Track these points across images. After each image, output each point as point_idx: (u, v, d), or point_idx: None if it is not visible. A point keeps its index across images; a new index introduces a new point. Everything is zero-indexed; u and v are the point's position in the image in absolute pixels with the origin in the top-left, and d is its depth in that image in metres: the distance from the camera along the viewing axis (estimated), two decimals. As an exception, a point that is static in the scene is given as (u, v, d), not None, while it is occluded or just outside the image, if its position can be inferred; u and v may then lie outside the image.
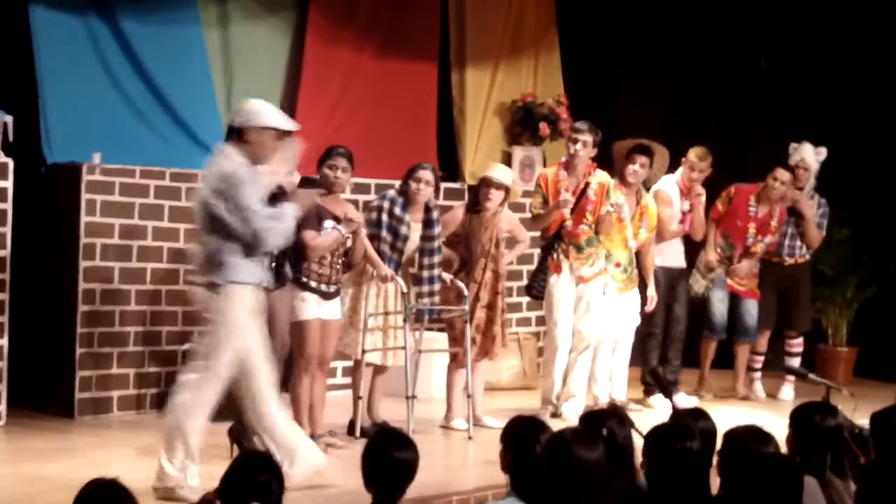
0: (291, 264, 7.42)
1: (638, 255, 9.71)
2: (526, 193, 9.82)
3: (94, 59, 9.11)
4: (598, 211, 9.13)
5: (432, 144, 11.17)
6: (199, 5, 9.63)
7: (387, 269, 8.20)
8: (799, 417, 5.21)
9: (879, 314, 11.92)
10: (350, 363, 8.84)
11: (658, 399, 9.68)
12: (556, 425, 4.83)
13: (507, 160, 11.16)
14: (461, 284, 8.64)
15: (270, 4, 10.19)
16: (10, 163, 8.46)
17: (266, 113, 6.65)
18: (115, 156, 8.94)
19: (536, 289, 9.24)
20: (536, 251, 9.63)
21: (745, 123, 12.60)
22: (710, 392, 10.53)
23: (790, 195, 10.50)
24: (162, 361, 9.12)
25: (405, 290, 8.25)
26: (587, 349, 9.26)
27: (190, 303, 9.17)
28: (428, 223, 8.44)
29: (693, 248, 10.46)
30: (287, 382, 7.89)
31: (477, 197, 8.84)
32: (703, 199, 10.21)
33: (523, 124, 11.57)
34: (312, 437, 7.40)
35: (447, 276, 8.64)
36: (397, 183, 8.58)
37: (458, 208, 9.00)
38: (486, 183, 8.77)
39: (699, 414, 5.32)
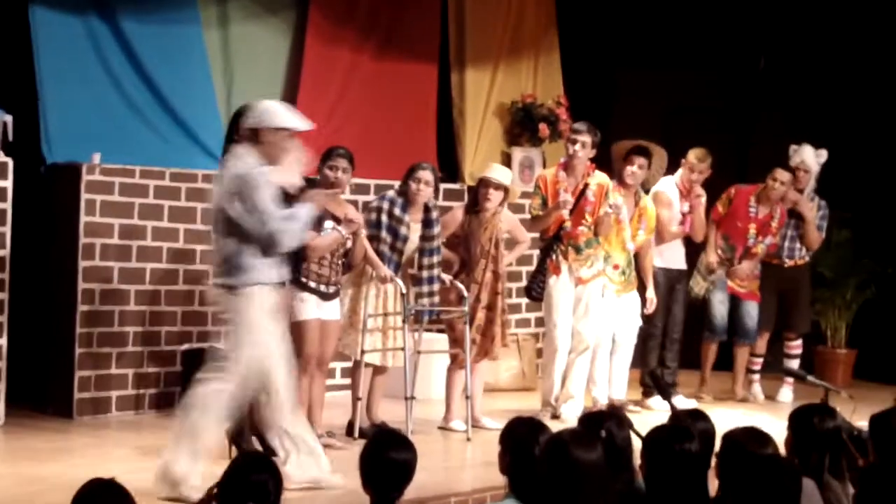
0: (291, 265, 7.41)
1: (637, 256, 9.70)
2: (525, 194, 9.82)
3: (94, 58, 9.11)
4: (597, 212, 9.13)
5: (432, 145, 11.17)
6: (198, 5, 9.64)
7: (386, 270, 8.20)
8: (797, 419, 5.20)
9: (878, 316, 11.92)
10: (349, 364, 8.85)
11: (657, 400, 9.67)
12: (555, 427, 4.83)
13: (507, 161, 11.17)
14: (461, 286, 8.64)
15: (270, 5, 10.19)
16: (10, 162, 8.46)
17: (280, 113, 6.64)
18: (115, 156, 8.95)
19: (535, 290, 9.24)
20: (535, 252, 9.63)
21: (745, 124, 12.60)
22: (710, 394, 10.52)
23: (790, 196, 10.50)
24: (161, 362, 9.12)
25: (404, 290, 8.25)
26: (586, 350, 9.25)
27: (189, 303, 9.23)
28: (427, 223, 8.44)
29: (694, 249, 10.45)
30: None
31: (476, 198, 8.84)
32: (704, 200, 10.21)
33: (523, 125, 11.58)
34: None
35: (446, 278, 8.64)
36: (397, 183, 8.58)
37: (458, 209, 9.00)
38: (484, 183, 8.77)
39: (698, 415, 5.32)
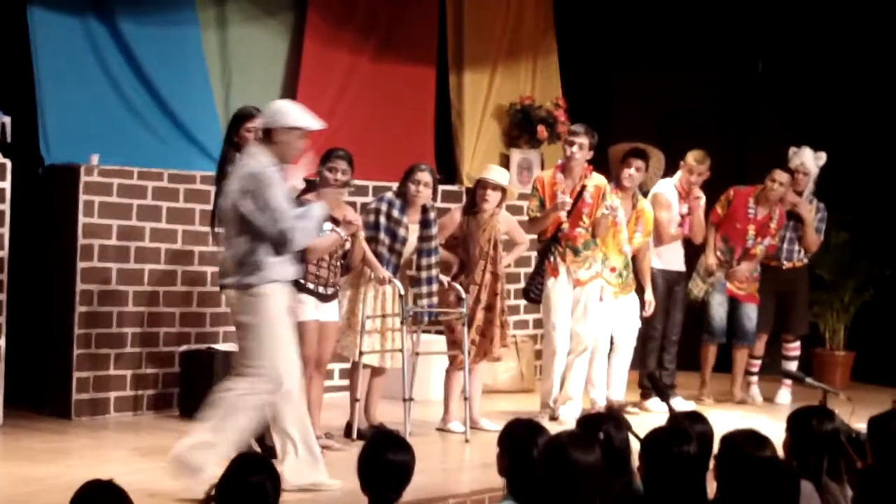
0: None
1: (635, 259, 9.71)
2: (523, 196, 9.83)
3: (92, 60, 9.11)
4: (595, 214, 9.13)
5: (430, 147, 11.18)
6: (197, 7, 9.64)
7: (384, 272, 8.19)
8: (796, 421, 5.20)
9: (877, 318, 11.91)
10: (347, 365, 8.85)
11: (655, 402, 9.67)
12: (553, 428, 4.83)
13: (505, 163, 11.18)
14: (459, 287, 8.64)
15: (269, 6, 10.20)
16: (8, 164, 8.46)
17: (292, 113, 6.66)
18: (113, 157, 8.95)
19: (534, 292, 9.24)
20: (534, 254, 9.63)
21: (743, 126, 12.60)
22: (710, 396, 10.52)
23: (789, 198, 10.50)
24: (159, 363, 9.12)
25: (402, 292, 8.25)
26: (584, 352, 9.25)
27: (188, 304, 9.23)
28: (425, 223, 8.44)
29: (693, 251, 10.45)
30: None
31: (474, 199, 8.84)
32: (703, 202, 10.21)
33: (521, 127, 11.59)
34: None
35: (444, 279, 8.64)
36: (395, 185, 8.58)
37: (456, 211, 9.00)
38: (482, 184, 8.78)
39: (696, 417, 5.31)
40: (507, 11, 11.74)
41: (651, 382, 9.49)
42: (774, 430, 5.42)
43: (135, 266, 9.03)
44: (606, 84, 12.72)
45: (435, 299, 8.52)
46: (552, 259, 9.17)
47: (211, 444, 6.41)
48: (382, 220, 8.31)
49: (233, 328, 8.01)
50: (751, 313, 10.55)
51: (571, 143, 9.15)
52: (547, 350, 9.29)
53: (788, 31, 12.29)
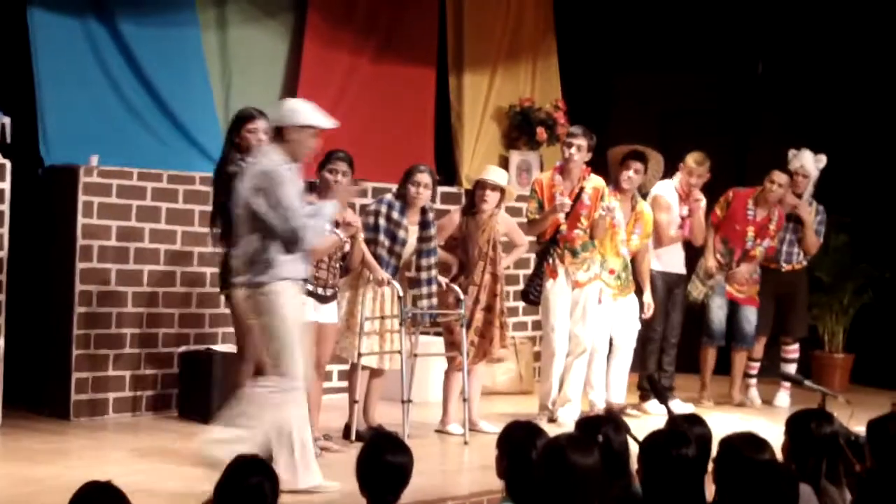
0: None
1: (634, 261, 9.70)
2: (522, 198, 9.82)
3: (92, 61, 9.11)
4: (593, 215, 9.14)
5: (430, 148, 11.18)
6: (197, 8, 9.64)
7: (383, 273, 8.19)
8: (795, 424, 5.20)
9: (876, 321, 11.91)
10: (346, 367, 8.84)
11: (654, 404, 9.67)
12: (552, 430, 4.83)
13: (505, 164, 11.18)
14: (457, 289, 8.65)
15: (269, 7, 10.20)
16: (8, 164, 8.46)
17: (304, 111, 6.67)
18: (113, 158, 8.95)
19: (533, 294, 9.24)
20: (533, 256, 9.63)
21: (743, 128, 12.60)
22: (710, 399, 10.51)
23: (789, 200, 10.50)
24: (158, 364, 9.12)
25: (401, 293, 8.25)
26: (583, 354, 9.25)
27: (187, 305, 9.23)
28: (424, 224, 8.44)
29: (693, 254, 10.45)
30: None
31: (473, 199, 8.84)
32: (703, 203, 10.21)
33: (521, 129, 11.59)
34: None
35: (443, 280, 8.64)
36: (394, 187, 8.58)
37: (455, 212, 9.00)
38: (481, 185, 8.78)
39: (694, 420, 5.31)
40: (506, 13, 11.75)
41: (650, 385, 9.48)
42: (773, 432, 5.42)
43: (134, 267, 9.02)
44: (606, 86, 12.72)
45: (434, 300, 8.52)
46: (551, 261, 9.17)
47: (237, 440, 6.39)
48: (382, 221, 8.30)
49: (232, 329, 8.05)
50: (750, 316, 10.54)
51: (570, 145, 9.15)
52: (546, 352, 9.28)
53: (788, 32, 12.29)
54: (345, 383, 8.92)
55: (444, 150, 11.37)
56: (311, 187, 7.87)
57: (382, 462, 4.46)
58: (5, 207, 8.45)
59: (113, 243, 8.91)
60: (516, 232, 9.22)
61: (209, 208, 7.93)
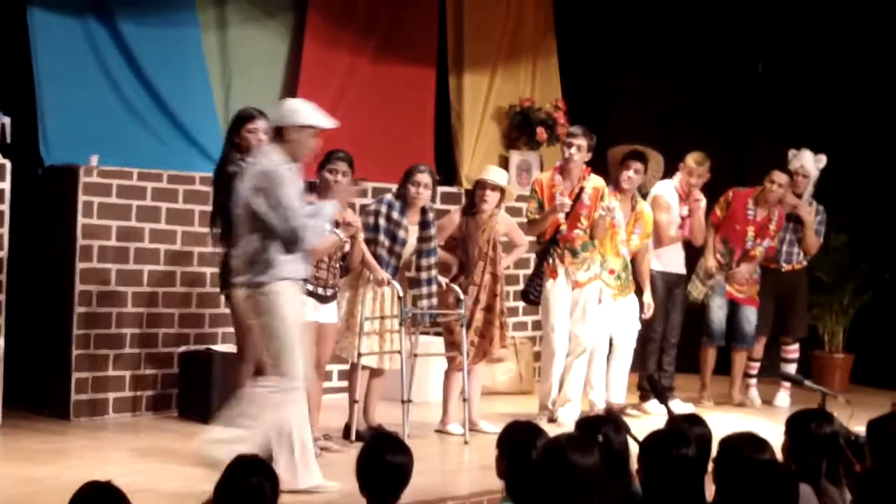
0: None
1: (634, 261, 9.70)
2: (522, 198, 9.82)
3: (92, 61, 9.11)
4: (593, 215, 9.14)
5: (430, 148, 11.18)
6: (197, 8, 9.64)
7: (382, 273, 8.19)
8: (795, 424, 5.20)
9: (876, 321, 11.91)
10: (346, 367, 8.84)
11: (654, 404, 9.67)
12: (552, 430, 4.83)
13: (505, 164, 11.18)
14: (457, 289, 8.65)
15: (269, 7, 10.20)
16: (8, 164, 8.46)
17: (305, 111, 6.68)
18: (113, 158, 8.95)
19: (533, 294, 9.24)
20: (533, 256, 9.63)
21: (743, 127, 12.60)
22: (710, 399, 10.51)
23: (789, 200, 10.50)
24: (158, 364, 9.12)
25: (401, 294, 8.24)
26: (583, 354, 9.25)
27: (187, 305, 9.23)
28: (424, 224, 8.44)
29: (694, 254, 10.45)
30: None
31: (473, 199, 8.84)
32: (703, 204, 10.20)
33: (520, 129, 11.59)
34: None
35: (443, 280, 8.64)
36: (394, 187, 8.58)
37: (455, 212, 9.00)
38: (480, 185, 8.78)
39: (694, 420, 5.31)
40: (506, 13, 11.74)
41: (650, 385, 9.48)
42: (773, 432, 5.42)
43: (134, 267, 9.02)
44: (606, 86, 12.72)
45: (435, 300, 8.52)
46: (551, 261, 9.17)
47: (237, 440, 6.38)
48: (382, 221, 8.30)
49: (232, 329, 8.05)
50: (750, 316, 10.54)
51: (570, 145, 9.15)
52: (546, 352, 9.28)
53: (788, 32, 12.29)
54: (345, 383, 8.92)
55: (444, 150, 11.37)
56: (311, 187, 7.87)
57: (382, 462, 4.46)
58: (5, 207, 8.45)
59: (113, 243, 8.91)
60: (516, 232, 9.22)
61: (209, 208, 7.93)
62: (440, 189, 10.18)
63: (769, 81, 12.53)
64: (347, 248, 8.00)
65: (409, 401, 8.34)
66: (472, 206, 8.84)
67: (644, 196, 9.90)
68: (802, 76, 12.24)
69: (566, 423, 8.73)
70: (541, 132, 11.47)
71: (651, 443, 4.64)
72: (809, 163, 10.52)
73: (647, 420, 9.17)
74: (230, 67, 9.86)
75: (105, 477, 3.98)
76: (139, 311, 9.05)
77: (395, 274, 8.29)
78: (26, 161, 8.72)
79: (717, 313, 10.51)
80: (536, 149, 11.62)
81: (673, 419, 5.52)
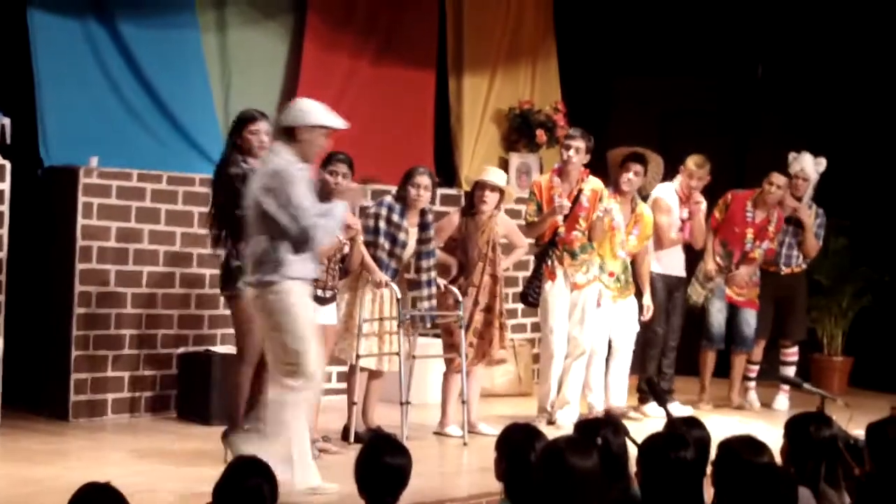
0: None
1: (633, 263, 9.70)
2: (521, 200, 9.82)
3: (92, 62, 9.11)
4: (591, 217, 9.14)
5: (429, 150, 11.18)
6: (197, 10, 9.65)
7: (381, 275, 8.18)
8: (794, 427, 5.20)
9: (875, 324, 11.90)
10: (345, 368, 8.83)
11: (653, 407, 9.67)
12: (551, 433, 4.83)
13: (504, 167, 11.18)
14: (456, 290, 8.65)
15: (268, 9, 10.20)
16: (8, 165, 8.46)
17: (316, 112, 6.72)
18: (113, 159, 8.95)
19: (532, 296, 9.24)
20: (532, 258, 9.62)
21: (743, 130, 12.60)
22: (710, 402, 10.50)
23: (789, 202, 10.50)
24: (157, 365, 9.12)
25: (399, 296, 8.24)
26: (582, 356, 9.25)
27: (186, 306, 9.23)
28: (423, 226, 8.44)
29: (694, 256, 10.44)
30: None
31: (472, 200, 8.84)
32: (704, 206, 10.21)
33: (520, 131, 11.59)
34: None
35: (441, 282, 8.64)
36: (394, 188, 8.57)
37: (454, 214, 9.00)
38: (480, 186, 8.78)
39: (693, 423, 5.31)
40: (506, 15, 11.75)
41: (649, 387, 9.46)
42: (772, 436, 5.42)
43: (133, 268, 9.02)
44: (606, 88, 12.72)
45: (434, 302, 8.52)
46: (549, 263, 9.17)
47: (262, 443, 6.39)
48: (382, 224, 8.30)
49: (231, 331, 8.05)
50: (750, 319, 10.54)
51: (568, 147, 9.16)
52: (544, 354, 9.28)
53: (788, 35, 12.28)
54: (343, 385, 8.92)
55: (443, 151, 11.37)
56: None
57: (381, 464, 4.47)
58: (5, 208, 8.45)
59: (112, 244, 8.92)
60: (516, 234, 9.21)
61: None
62: (440, 191, 10.19)
63: (769, 84, 12.53)
64: (347, 249, 8.00)
65: (408, 403, 8.34)
66: (471, 207, 8.84)
67: (644, 198, 9.90)
68: (802, 79, 12.24)
69: (565, 425, 8.73)
70: (540, 134, 11.47)
71: (650, 445, 4.64)
72: (809, 166, 10.52)
73: (645, 423, 9.17)
74: (230, 69, 9.86)
75: (104, 478, 3.98)
76: (138, 312, 9.05)
77: (394, 276, 8.29)
78: (26, 162, 8.72)
79: (717, 316, 10.51)
80: (536, 151, 11.62)
81: (672, 422, 5.51)
